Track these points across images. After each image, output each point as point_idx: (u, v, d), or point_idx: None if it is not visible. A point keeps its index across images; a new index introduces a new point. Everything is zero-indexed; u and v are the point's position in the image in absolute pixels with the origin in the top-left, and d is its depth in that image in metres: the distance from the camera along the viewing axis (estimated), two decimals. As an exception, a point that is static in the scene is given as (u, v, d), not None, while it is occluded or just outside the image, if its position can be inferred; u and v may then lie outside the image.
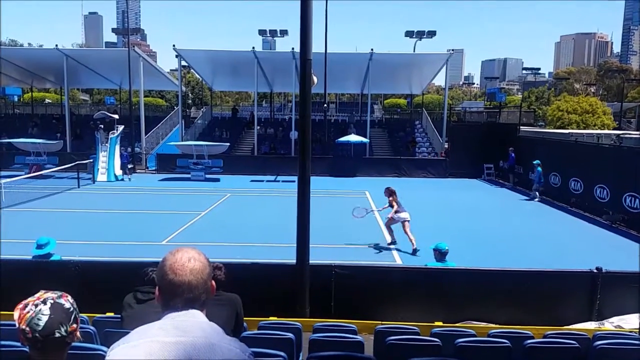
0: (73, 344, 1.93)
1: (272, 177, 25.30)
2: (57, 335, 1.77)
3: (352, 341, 3.94)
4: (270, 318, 6.66)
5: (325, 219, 14.44)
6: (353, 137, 27.58)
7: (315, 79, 7.47)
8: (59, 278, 7.01)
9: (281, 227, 13.67)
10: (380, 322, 6.63)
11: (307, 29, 6.59)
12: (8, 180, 18.02)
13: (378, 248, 12.12)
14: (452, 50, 31.19)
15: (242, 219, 15.47)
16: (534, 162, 19.81)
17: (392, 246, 12.19)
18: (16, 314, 1.81)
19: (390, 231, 12.28)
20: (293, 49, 27.22)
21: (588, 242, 13.58)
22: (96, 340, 4.06)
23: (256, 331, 4.51)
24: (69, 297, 1.88)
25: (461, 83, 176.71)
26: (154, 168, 27.37)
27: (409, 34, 39.90)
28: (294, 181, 23.39)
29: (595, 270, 7.10)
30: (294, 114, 31.56)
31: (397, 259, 11.14)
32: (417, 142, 32.17)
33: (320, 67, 23.02)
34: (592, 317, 7.09)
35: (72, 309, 1.85)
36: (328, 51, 25.22)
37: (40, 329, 1.75)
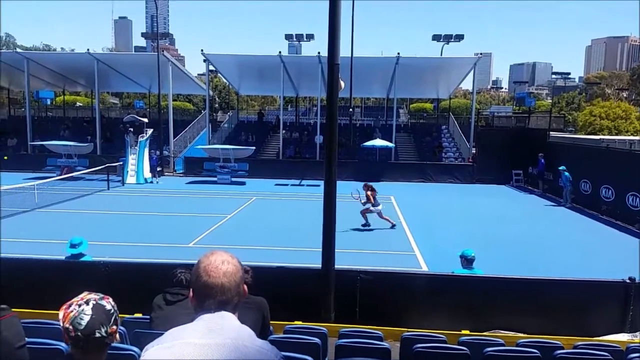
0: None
1: (297, 181, 25.39)
2: (97, 335, 1.85)
3: (379, 348, 3.91)
4: (295, 322, 6.67)
5: (350, 224, 14.42)
6: (378, 142, 27.48)
7: (342, 83, 7.49)
8: (90, 278, 7.17)
9: (306, 231, 13.71)
10: (406, 329, 6.57)
11: (335, 34, 6.60)
12: (40, 181, 18.54)
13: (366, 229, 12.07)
14: (481, 54, 30.78)
15: (268, 222, 15.56)
16: (559, 168, 19.45)
17: (367, 227, 14.55)
18: (61, 313, 1.90)
19: (366, 217, 14.67)
20: (319, 53, 27.30)
21: (620, 251, 13.20)
22: (126, 341, 4.13)
23: (282, 335, 4.52)
24: (111, 300, 1.96)
25: (489, 87, 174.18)
26: (181, 171, 27.79)
27: (436, 37, 39.69)
28: (318, 185, 23.45)
29: (628, 280, 6.90)
30: (319, 118, 31.63)
31: (422, 265, 11.04)
32: (443, 147, 31.86)
33: (346, 71, 23.04)
34: (625, 329, 6.88)
35: (112, 310, 1.93)
36: (354, 55, 25.21)
37: (82, 327, 1.83)
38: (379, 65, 30.46)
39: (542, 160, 22.88)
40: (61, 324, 1.87)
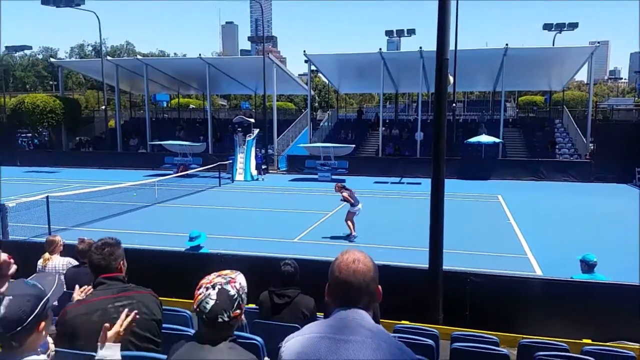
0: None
1: (397, 179, 25.12)
2: (220, 320, 1.97)
3: (498, 354, 3.75)
4: (402, 322, 6.62)
5: (454, 223, 13.96)
6: (484, 138, 26.33)
7: (451, 78, 7.28)
8: (207, 269, 7.65)
9: (408, 229, 13.56)
10: (521, 335, 6.25)
11: (444, 28, 6.43)
12: (160, 178, 20.14)
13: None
14: (598, 42, 28.30)
15: (369, 220, 15.55)
16: None
17: (353, 239, 12.65)
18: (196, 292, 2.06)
19: (350, 225, 12.81)
20: (421, 48, 26.79)
21: None
22: (246, 329, 4.34)
23: (392, 334, 4.50)
24: (237, 283, 2.04)
25: (606, 78, 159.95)
26: (284, 168, 28.73)
27: (547, 26, 37.26)
28: (419, 183, 23.12)
29: None
30: (420, 115, 31.03)
31: (536, 269, 10.40)
32: (557, 142, 29.76)
33: (449, 64, 22.39)
34: None
35: (236, 296, 2.01)
36: (458, 48, 24.38)
37: (207, 311, 1.96)
38: (484, 57, 29.21)
39: (673, 157, 20.56)
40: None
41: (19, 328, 1.63)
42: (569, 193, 20.96)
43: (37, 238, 12.40)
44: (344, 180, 24.33)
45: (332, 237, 13.11)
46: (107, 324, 2.20)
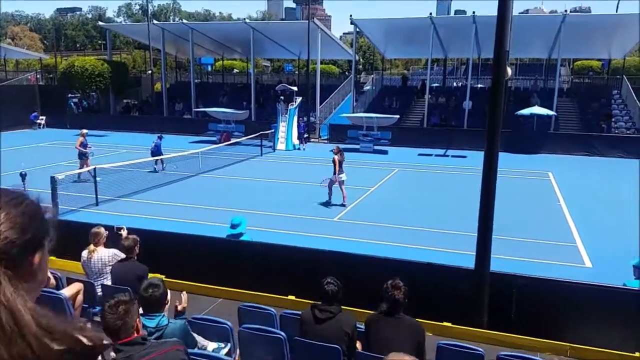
0: None
1: (441, 151, 24.42)
2: None
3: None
4: (444, 323, 6.48)
5: (499, 204, 13.43)
6: (536, 109, 25.07)
7: (509, 70, 6.81)
8: (247, 258, 7.70)
9: (451, 209, 13.28)
10: (569, 344, 6.03)
11: (504, 21, 5.99)
12: (203, 149, 20.32)
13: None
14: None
15: (411, 197, 15.31)
16: None
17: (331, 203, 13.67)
18: None
19: (330, 190, 13.72)
20: (474, 12, 25.52)
21: None
22: (286, 346, 4.25)
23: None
24: None
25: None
26: (326, 137, 28.37)
27: (611, -12, 34.68)
28: (465, 156, 22.46)
29: None
30: (469, 81, 29.88)
31: (585, 261, 9.92)
32: (613, 115, 28.07)
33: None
34: None
35: None
36: (513, 13, 23.02)
37: None
38: (540, 24, 27.69)
39: None
40: None
41: None
42: (624, 172, 19.82)
43: (85, 209, 12.86)
44: (386, 152, 24.11)
45: (373, 217, 12.92)
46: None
